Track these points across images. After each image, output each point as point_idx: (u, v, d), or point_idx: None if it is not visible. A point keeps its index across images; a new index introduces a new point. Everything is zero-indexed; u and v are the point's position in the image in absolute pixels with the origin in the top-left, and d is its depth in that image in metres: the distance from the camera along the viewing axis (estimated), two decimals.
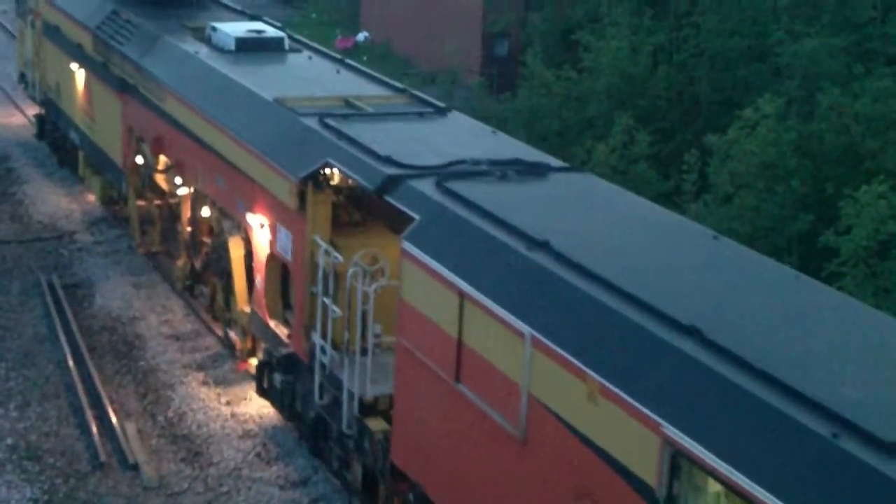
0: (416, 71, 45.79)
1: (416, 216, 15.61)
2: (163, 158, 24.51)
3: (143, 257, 26.99)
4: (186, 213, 23.84)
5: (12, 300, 24.94)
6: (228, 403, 21.06)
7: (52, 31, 31.55)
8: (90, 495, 18.43)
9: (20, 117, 37.71)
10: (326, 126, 18.84)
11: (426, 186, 16.13)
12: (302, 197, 18.15)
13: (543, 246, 14.04)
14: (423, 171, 16.63)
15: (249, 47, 24.17)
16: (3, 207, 30.32)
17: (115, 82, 26.49)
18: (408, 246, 15.35)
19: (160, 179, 25.20)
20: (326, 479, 18.73)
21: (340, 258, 17.16)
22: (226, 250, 21.56)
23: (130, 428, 20.15)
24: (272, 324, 19.66)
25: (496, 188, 16.17)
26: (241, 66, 23.16)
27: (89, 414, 20.41)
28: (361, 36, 52.54)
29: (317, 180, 18.09)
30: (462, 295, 14.27)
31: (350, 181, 17.62)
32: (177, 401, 21.16)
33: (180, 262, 24.58)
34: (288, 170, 18.55)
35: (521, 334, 13.29)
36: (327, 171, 18.04)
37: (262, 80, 21.84)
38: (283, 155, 18.96)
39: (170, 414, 20.77)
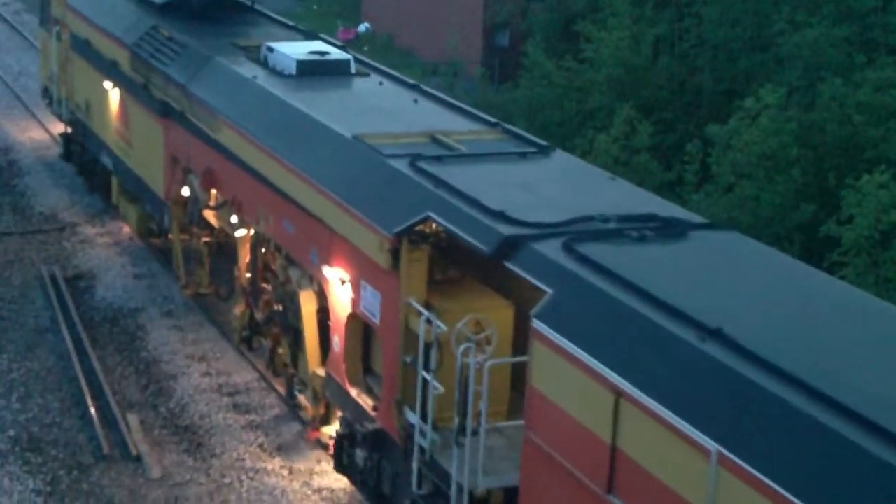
0: (417, 62, 45.76)
1: (548, 289, 13.22)
2: (215, 193, 21.96)
3: (145, 249, 26.99)
4: (245, 256, 21.21)
5: (14, 292, 24.95)
6: (230, 394, 21.08)
7: (81, 46, 28.59)
8: (93, 487, 18.44)
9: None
10: (420, 171, 16.35)
11: (553, 250, 13.74)
12: (395, 254, 15.57)
13: (717, 335, 11.69)
14: (545, 231, 14.19)
15: (312, 71, 21.52)
16: (4, 199, 30.32)
17: (157, 106, 23.84)
18: (541, 326, 13.07)
19: (210, 215, 22.55)
20: (329, 471, 18.74)
21: (443, 327, 14.70)
22: (295, 304, 19.08)
23: (133, 419, 20.16)
24: (353, 392, 17.15)
25: (636, 252, 13.74)
26: (306, 93, 20.56)
27: (92, 405, 20.42)
28: (363, 27, 52.55)
29: (411, 235, 15.62)
30: (618, 393, 11.96)
31: (439, 230, 15.61)
32: (179, 392, 21.17)
33: (238, 311, 21.90)
34: (378, 223, 15.96)
35: (704, 450, 10.95)
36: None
37: (333, 111, 19.37)
38: (371, 204, 16.40)
39: (172, 405, 20.78)
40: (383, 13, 51.77)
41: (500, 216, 14.57)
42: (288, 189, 18.64)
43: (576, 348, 12.54)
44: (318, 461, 19.01)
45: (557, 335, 12.81)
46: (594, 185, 16.48)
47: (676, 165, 30.45)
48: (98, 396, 20.82)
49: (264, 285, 20.70)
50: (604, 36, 34.43)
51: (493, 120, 19.25)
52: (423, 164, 16.49)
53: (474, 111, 19.95)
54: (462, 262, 16.31)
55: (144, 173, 25.24)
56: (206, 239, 23.48)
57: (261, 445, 19.51)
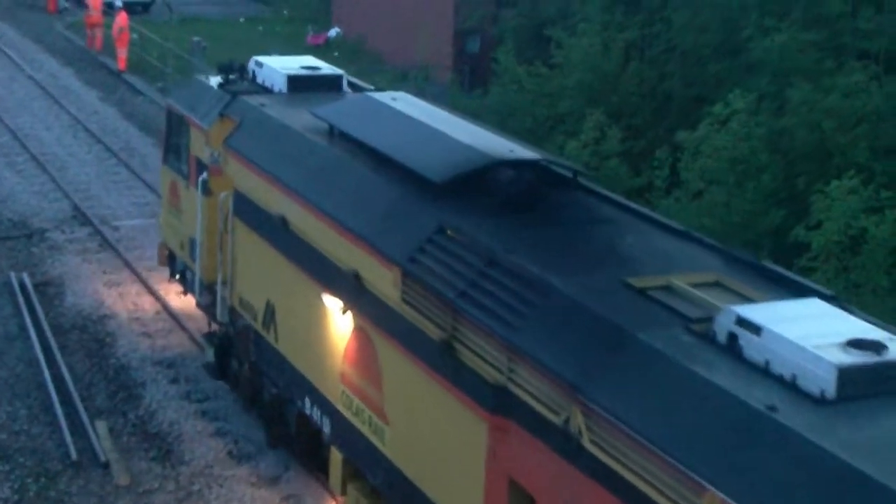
0: (388, 67, 45.75)
1: None
2: None
3: (116, 255, 26.87)
4: None
5: None
6: (199, 401, 21.01)
7: (260, 217, 17.96)
8: (61, 494, 18.36)
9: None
10: None
11: None
12: None
13: None
14: None
15: (863, 390, 10.38)
16: None
17: (476, 389, 13.03)
18: None
19: None
20: (298, 477, 18.71)
21: None
22: None
23: (101, 426, 20.09)
24: None
25: None
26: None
27: (60, 412, 20.34)
28: (333, 32, 52.50)
29: None
30: None
31: None
32: (147, 399, 21.10)
33: None
34: None
35: None
36: None
37: None
38: None
39: (141, 412, 20.71)
40: (354, 18, 51.74)
41: None
42: None
43: None
44: (287, 468, 18.96)
45: None
46: None
47: (646, 171, 30.52)
48: (67, 403, 20.73)
49: None
50: (574, 42, 34.52)
51: None
52: None
53: None
54: None
55: (424, 478, 14.40)
56: None
57: (229, 453, 19.45)
